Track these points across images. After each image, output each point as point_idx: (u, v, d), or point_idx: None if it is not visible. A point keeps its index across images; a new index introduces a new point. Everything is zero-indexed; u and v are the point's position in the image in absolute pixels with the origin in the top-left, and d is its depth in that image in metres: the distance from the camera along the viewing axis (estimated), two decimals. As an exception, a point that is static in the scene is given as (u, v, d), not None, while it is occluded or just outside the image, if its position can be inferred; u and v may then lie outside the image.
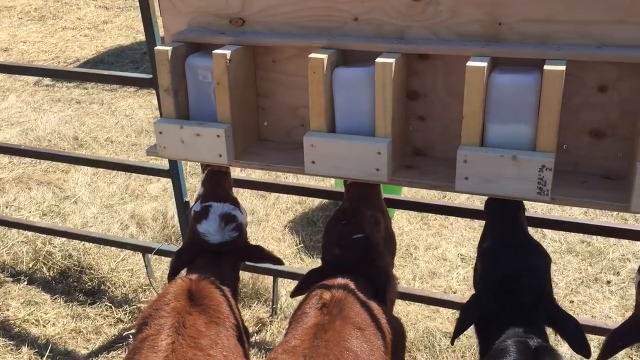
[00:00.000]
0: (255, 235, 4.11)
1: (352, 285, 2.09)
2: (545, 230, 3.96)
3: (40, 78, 7.26)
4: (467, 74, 2.00)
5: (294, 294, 2.36)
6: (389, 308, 2.26)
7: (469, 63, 2.00)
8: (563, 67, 1.92)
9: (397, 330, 2.16)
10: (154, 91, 6.63)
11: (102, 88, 6.94)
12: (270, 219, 4.32)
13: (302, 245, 4.03)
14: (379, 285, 2.21)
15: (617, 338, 1.99)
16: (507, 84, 2.04)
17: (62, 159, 3.79)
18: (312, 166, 2.29)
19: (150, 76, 3.03)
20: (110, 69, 7.64)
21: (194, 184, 4.53)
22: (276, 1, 2.35)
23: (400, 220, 4.26)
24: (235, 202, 2.45)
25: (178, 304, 2.06)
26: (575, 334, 1.97)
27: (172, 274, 2.33)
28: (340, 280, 2.12)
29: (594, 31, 2.01)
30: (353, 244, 2.25)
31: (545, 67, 1.93)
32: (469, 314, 2.03)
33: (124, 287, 3.64)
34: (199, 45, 2.50)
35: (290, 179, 4.52)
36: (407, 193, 4.31)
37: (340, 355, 1.82)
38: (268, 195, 4.53)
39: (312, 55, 2.18)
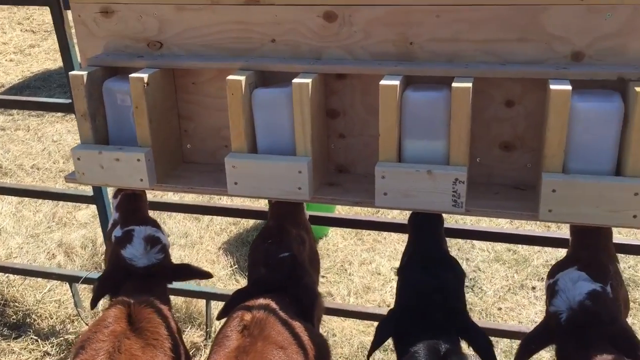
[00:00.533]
0: (189, 259, 4.05)
1: (273, 304, 2.10)
2: (474, 240, 4.08)
3: (-38, 105, 6.98)
4: (381, 92, 2.06)
5: (220, 316, 2.33)
6: (315, 326, 2.27)
7: (382, 82, 2.06)
8: (470, 84, 2.00)
9: (321, 347, 2.17)
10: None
11: (28, 114, 6.73)
12: (204, 241, 4.28)
13: (236, 266, 4.00)
14: (306, 303, 2.22)
15: (530, 342, 2.07)
16: (419, 101, 2.11)
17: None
18: (234, 187, 2.29)
19: (70, 101, 2.96)
20: (37, 94, 7.43)
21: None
22: (194, 24, 2.36)
23: (335, 236, 4.29)
24: (156, 225, 2.42)
25: (117, 327, 2.03)
26: (483, 345, 2.04)
27: (95, 299, 2.29)
28: (262, 301, 2.11)
29: (498, 49, 2.11)
30: (279, 263, 2.26)
31: (454, 84, 2.01)
32: (384, 330, 2.08)
33: (51, 318, 3.51)
34: (116, 69, 2.47)
35: (225, 200, 4.50)
36: (341, 210, 4.36)
37: None
38: (202, 217, 4.49)
39: (230, 77, 2.20)
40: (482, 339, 2.06)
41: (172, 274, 2.40)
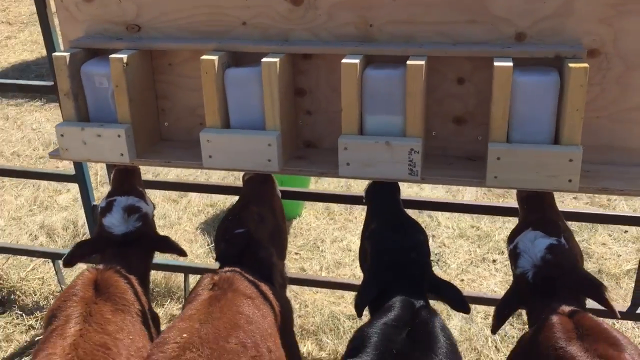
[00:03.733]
0: (167, 238, 4.21)
1: (237, 269, 2.28)
2: (440, 218, 4.30)
3: (-61, 95, 7.04)
4: (342, 69, 2.24)
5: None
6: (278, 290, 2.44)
7: (344, 60, 2.24)
8: (423, 62, 2.19)
9: (285, 303, 2.36)
10: (61, 104, 6.57)
11: (7, 103, 6.81)
12: (182, 222, 4.44)
13: (213, 245, 4.16)
14: (263, 272, 2.38)
15: (503, 308, 2.24)
16: (378, 78, 2.30)
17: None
18: (209, 160, 2.46)
19: (52, 83, 3.10)
20: (15, 84, 7.48)
21: (104, 192, 4.57)
22: (169, 8, 2.52)
23: (308, 216, 4.48)
24: (140, 195, 2.58)
25: (85, 294, 2.17)
26: (455, 296, 2.25)
27: (69, 259, 2.42)
28: (227, 268, 2.29)
29: (449, 30, 2.31)
30: (235, 238, 2.44)
31: (408, 62, 2.20)
32: (370, 287, 2.23)
33: (35, 295, 3.66)
34: (96, 51, 2.62)
35: (202, 179, 4.66)
36: (315, 187, 4.55)
37: (234, 318, 2.00)
38: (179, 200, 4.65)
39: (204, 57, 2.37)
40: (453, 289, 2.26)
41: (151, 243, 2.56)
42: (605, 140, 2.34)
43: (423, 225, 3.99)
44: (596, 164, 2.34)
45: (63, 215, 4.49)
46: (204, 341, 1.87)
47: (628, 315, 2.98)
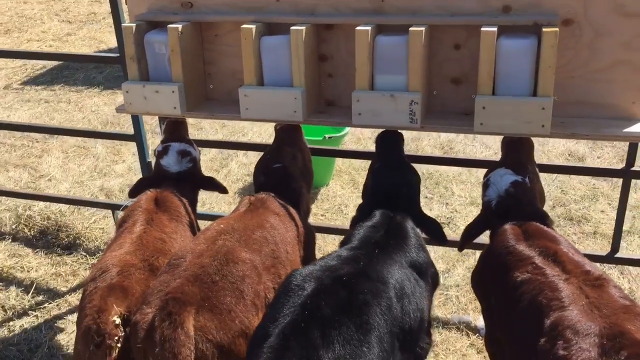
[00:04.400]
0: (209, 201, 4.76)
1: (272, 195, 2.79)
2: (454, 188, 4.72)
3: (10, 82, 7.80)
4: (357, 35, 2.72)
5: None
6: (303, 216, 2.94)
7: (358, 27, 2.72)
8: (422, 28, 2.66)
9: (308, 227, 2.85)
10: (117, 90, 7.23)
11: (69, 90, 7.51)
12: (223, 189, 4.97)
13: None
14: (293, 200, 2.89)
15: (471, 228, 2.73)
16: (386, 43, 2.77)
17: (40, 129, 4.39)
18: (246, 112, 2.97)
19: (117, 55, 3.67)
20: (75, 74, 8.20)
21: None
22: (217, -12, 3.05)
23: (335, 186, 4.96)
24: (189, 142, 3.12)
25: (148, 206, 2.71)
26: (434, 227, 2.72)
27: (133, 190, 2.97)
28: (262, 193, 2.81)
29: (448, 4, 2.76)
30: (273, 171, 2.94)
31: (410, 29, 2.67)
32: (364, 209, 2.72)
33: (96, 241, 4.24)
34: (157, 23, 3.17)
35: (240, 157, 5.22)
36: (341, 164, 5.05)
37: (261, 222, 2.51)
38: (220, 169, 5.20)
39: (244, 26, 2.88)
40: (434, 223, 2.72)
41: (199, 181, 3.10)
42: (578, 96, 2.75)
43: (438, 195, 4.44)
44: (571, 117, 2.75)
45: (119, 180, 5.09)
46: (235, 230, 2.40)
47: (607, 258, 3.38)
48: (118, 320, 2.11)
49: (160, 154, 3.04)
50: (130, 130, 3.86)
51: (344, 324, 1.92)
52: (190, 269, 2.15)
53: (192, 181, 3.06)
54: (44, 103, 7.08)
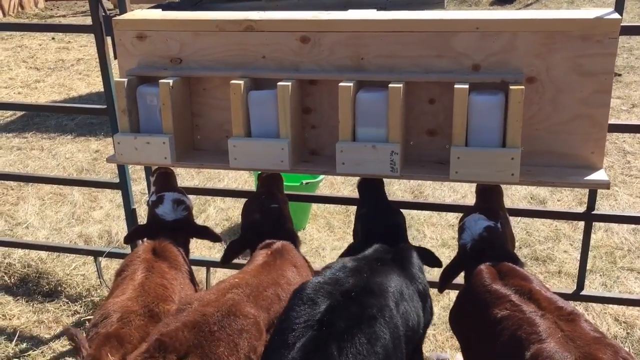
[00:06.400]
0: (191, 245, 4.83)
1: (285, 242, 2.95)
2: (426, 231, 4.93)
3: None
4: (340, 91, 2.93)
5: (223, 260, 3.15)
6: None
7: (341, 84, 2.94)
8: (401, 85, 2.89)
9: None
10: (90, 137, 7.29)
11: (41, 137, 7.54)
12: (201, 234, 5.07)
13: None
14: (288, 240, 3.03)
15: (448, 270, 2.92)
16: (367, 99, 2.98)
17: (20, 179, 4.44)
18: (235, 161, 3.13)
19: (105, 106, 3.80)
20: (46, 121, 8.22)
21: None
22: (205, 45, 3.24)
23: (311, 229, 5.12)
24: (182, 192, 3.26)
25: (146, 256, 2.83)
26: (431, 255, 3.00)
27: (129, 237, 3.08)
28: (275, 242, 2.95)
29: (422, 62, 3.00)
30: (271, 210, 3.10)
31: (390, 85, 2.90)
32: (354, 249, 2.90)
33: (78, 287, 4.27)
34: (147, 78, 3.33)
35: (218, 202, 5.33)
36: (317, 208, 5.21)
37: (277, 278, 2.65)
38: (199, 215, 5.30)
39: (233, 81, 3.07)
40: (427, 251, 2.99)
41: (193, 230, 3.23)
42: (543, 147, 3.00)
43: (410, 237, 4.68)
44: (537, 165, 3.00)
45: (98, 227, 5.14)
46: (248, 285, 2.51)
47: (573, 296, 3.61)
48: None
49: (155, 203, 3.16)
50: (105, 177, 3.96)
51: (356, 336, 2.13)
52: (192, 315, 2.26)
53: (187, 229, 3.18)
54: (16, 150, 7.09)
